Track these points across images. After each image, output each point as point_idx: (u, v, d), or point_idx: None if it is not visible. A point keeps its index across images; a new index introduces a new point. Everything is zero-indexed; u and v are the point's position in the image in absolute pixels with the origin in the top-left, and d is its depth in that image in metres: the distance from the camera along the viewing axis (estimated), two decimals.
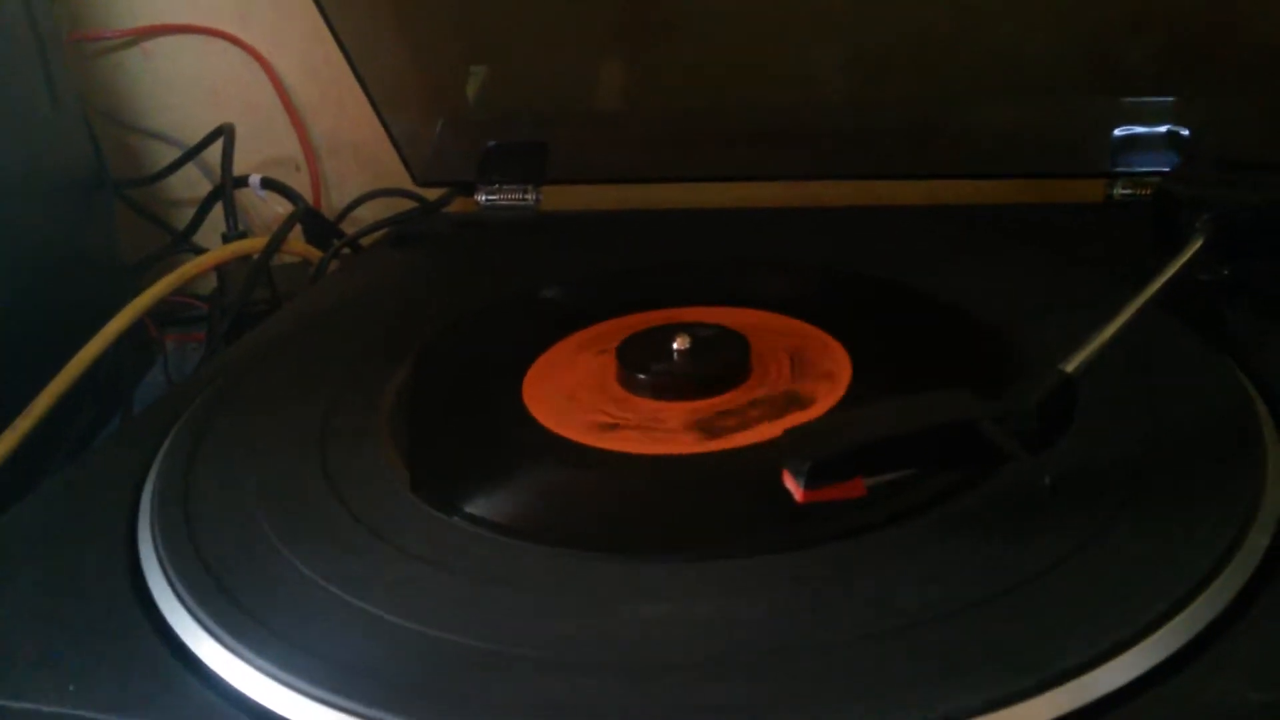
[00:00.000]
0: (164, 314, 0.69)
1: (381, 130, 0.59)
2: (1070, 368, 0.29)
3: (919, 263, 0.45)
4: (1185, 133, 0.51)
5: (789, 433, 0.28)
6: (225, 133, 0.64)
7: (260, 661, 0.25)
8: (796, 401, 0.35)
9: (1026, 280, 0.43)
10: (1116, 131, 0.51)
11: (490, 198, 0.59)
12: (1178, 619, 0.24)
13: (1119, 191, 0.51)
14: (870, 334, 0.39)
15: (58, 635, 0.27)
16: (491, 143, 0.59)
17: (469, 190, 0.60)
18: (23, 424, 0.46)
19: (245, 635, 0.26)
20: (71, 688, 0.25)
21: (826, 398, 0.36)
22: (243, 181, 0.65)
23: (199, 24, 0.70)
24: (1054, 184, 0.56)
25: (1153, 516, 0.27)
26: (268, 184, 0.65)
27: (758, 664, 0.24)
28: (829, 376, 0.37)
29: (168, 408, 0.39)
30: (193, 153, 0.68)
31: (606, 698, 0.23)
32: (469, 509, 0.31)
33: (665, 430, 0.34)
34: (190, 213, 0.72)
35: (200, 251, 0.68)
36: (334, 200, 0.73)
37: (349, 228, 0.64)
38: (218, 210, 0.68)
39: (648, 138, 0.58)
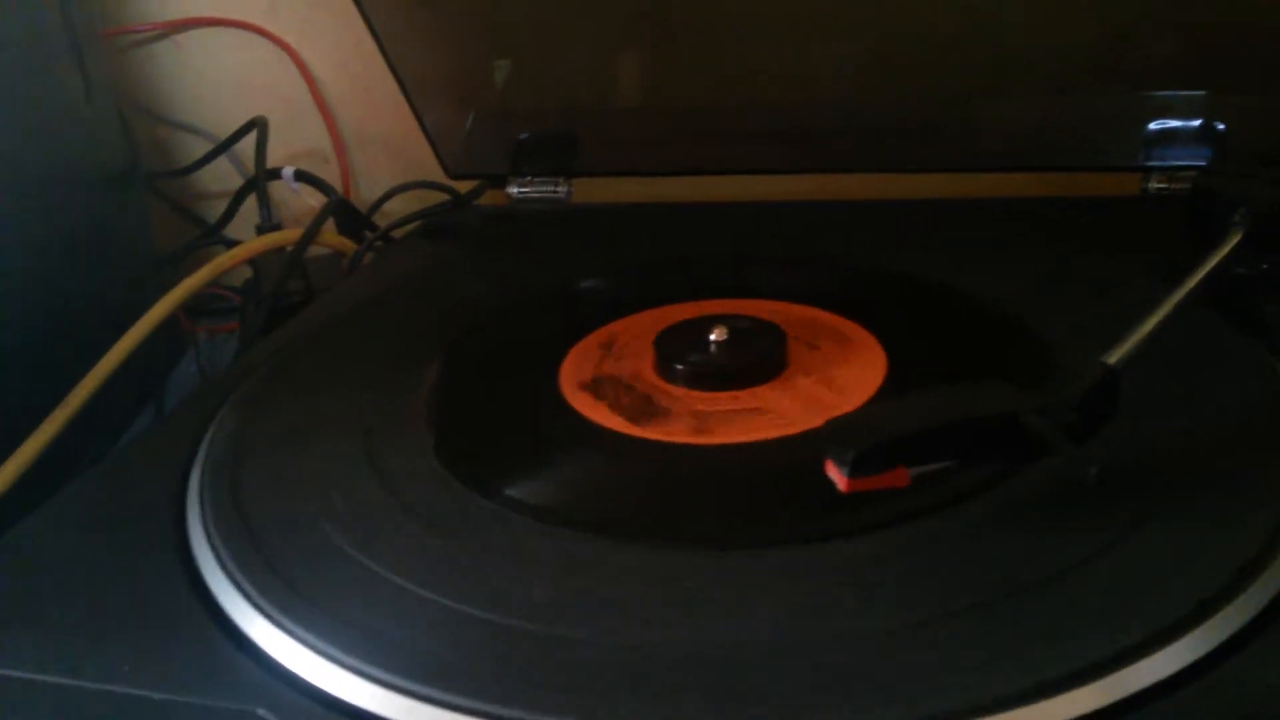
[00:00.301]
0: (195, 305, 0.69)
1: (409, 123, 0.60)
2: (1112, 360, 0.29)
3: (951, 257, 0.45)
4: (1220, 127, 0.51)
5: (831, 423, 0.28)
6: (259, 125, 0.65)
7: (310, 639, 0.25)
8: (832, 393, 0.36)
9: (1061, 274, 0.43)
10: (1150, 125, 0.51)
11: (521, 190, 0.59)
12: (1221, 612, 0.24)
13: (1153, 186, 0.51)
14: (904, 328, 0.40)
15: (110, 616, 0.27)
16: (523, 135, 0.59)
17: (500, 183, 0.60)
18: (62, 414, 0.46)
19: (296, 613, 0.26)
20: (126, 667, 0.26)
21: (862, 390, 0.36)
22: (275, 174, 0.66)
23: (229, 17, 0.71)
24: (1086, 179, 0.56)
25: (1194, 508, 0.27)
26: (300, 176, 0.66)
27: (795, 651, 0.24)
28: (864, 369, 0.37)
29: (211, 395, 0.39)
30: (225, 145, 0.69)
31: (644, 680, 0.24)
32: (510, 493, 0.31)
33: (704, 421, 0.35)
34: (219, 205, 0.73)
35: (231, 244, 0.68)
36: (362, 192, 0.73)
37: (379, 220, 0.65)
38: (248, 203, 0.69)
39: (678, 131, 0.58)
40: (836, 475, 0.28)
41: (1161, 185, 0.51)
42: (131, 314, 0.51)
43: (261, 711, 0.24)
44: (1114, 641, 0.23)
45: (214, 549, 0.29)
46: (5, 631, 0.27)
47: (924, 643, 0.24)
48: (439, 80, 0.59)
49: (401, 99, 0.58)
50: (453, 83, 0.60)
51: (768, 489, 0.32)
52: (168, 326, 0.56)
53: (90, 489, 0.34)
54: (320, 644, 0.25)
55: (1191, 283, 0.33)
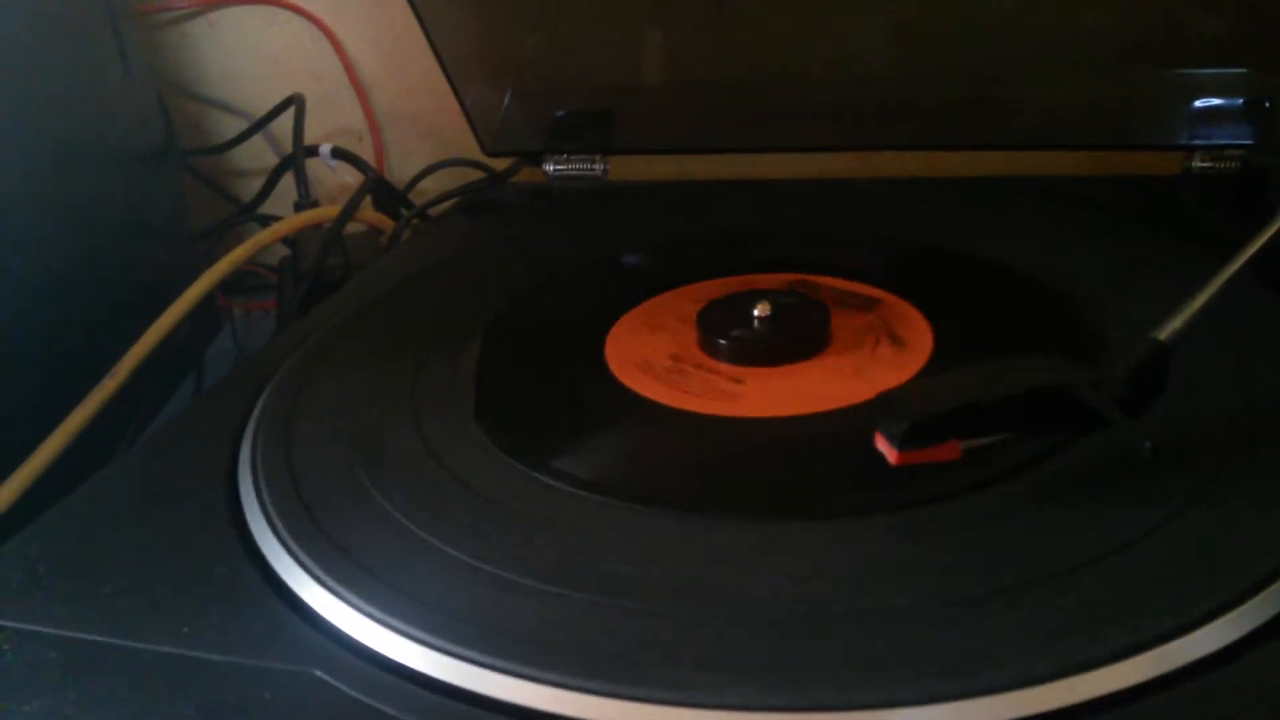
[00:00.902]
0: (231, 283, 0.70)
1: (442, 101, 0.60)
2: (1164, 335, 0.29)
3: (993, 234, 0.45)
4: (1266, 105, 0.50)
5: (882, 396, 0.28)
6: (296, 102, 0.65)
7: (363, 604, 0.26)
8: (877, 369, 0.35)
9: (1104, 251, 0.43)
10: (1195, 103, 0.51)
11: (558, 168, 0.59)
12: (1276, 584, 0.24)
13: (1196, 165, 0.51)
14: (949, 303, 0.39)
15: (166, 581, 0.28)
16: (560, 112, 0.59)
17: (536, 160, 0.60)
18: (110, 384, 0.47)
19: (350, 579, 0.27)
20: (185, 629, 0.26)
21: (907, 366, 0.36)
22: (313, 151, 0.66)
23: None
24: (1125, 158, 0.56)
25: (1248, 483, 0.27)
26: (338, 153, 0.66)
27: (841, 622, 0.24)
28: (910, 344, 0.37)
29: (257, 367, 0.40)
30: (263, 122, 0.69)
31: (686, 647, 0.24)
32: (556, 464, 0.32)
33: (747, 395, 0.35)
34: (253, 184, 0.73)
35: (266, 221, 0.69)
36: (395, 171, 0.74)
37: (414, 198, 0.65)
38: (281, 182, 0.69)
39: (716, 108, 0.58)
40: (886, 448, 0.28)
41: (1205, 164, 0.51)
42: (168, 290, 0.52)
43: (318, 672, 0.24)
44: (1171, 614, 0.23)
45: (268, 517, 0.30)
46: (66, 595, 0.28)
47: (973, 617, 0.24)
48: (477, 57, 0.59)
49: (435, 77, 0.58)
50: (491, 60, 0.60)
51: (814, 462, 0.32)
52: (205, 301, 0.57)
53: (143, 460, 0.34)
54: (373, 609, 0.26)
55: (1242, 259, 0.32)
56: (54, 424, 0.45)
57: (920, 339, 0.37)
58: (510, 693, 0.23)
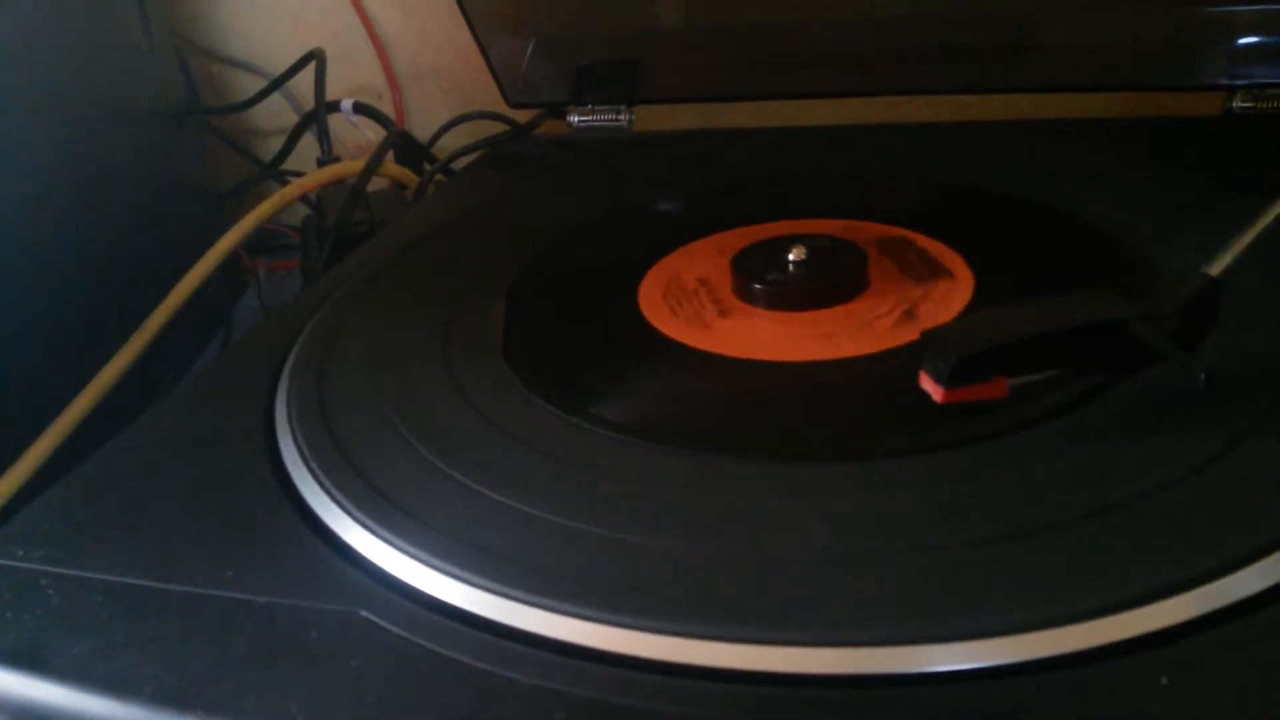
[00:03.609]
0: (255, 242, 0.70)
1: (463, 57, 0.59)
2: (1215, 271, 0.29)
3: (1031, 175, 0.44)
4: None
5: (926, 334, 0.28)
6: (316, 57, 0.65)
7: (406, 545, 0.26)
8: (917, 311, 0.35)
9: (1144, 193, 0.42)
10: (1238, 42, 0.49)
11: (582, 119, 0.58)
12: None
13: (1238, 105, 0.49)
14: (988, 245, 0.39)
15: (209, 524, 0.28)
16: (584, 62, 0.58)
17: (560, 113, 0.59)
18: (139, 339, 0.47)
19: (391, 520, 0.27)
20: (229, 572, 0.26)
21: (948, 309, 0.35)
22: (334, 106, 0.66)
23: None
24: (1162, 98, 0.54)
25: None
26: (360, 108, 0.66)
27: (890, 559, 0.24)
28: (951, 287, 0.36)
29: (288, 319, 0.39)
30: (283, 79, 0.69)
31: (727, 589, 0.24)
32: (589, 407, 0.31)
33: (783, 339, 0.34)
34: (274, 143, 0.73)
35: (288, 179, 0.68)
36: (416, 128, 0.73)
37: (437, 154, 0.64)
38: (302, 141, 0.68)
39: (740, 56, 0.57)
40: (932, 387, 0.27)
41: (1246, 105, 0.49)
42: (195, 250, 0.52)
43: (363, 613, 0.24)
44: (1222, 551, 0.22)
45: (306, 462, 0.30)
46: (109, 541, 0.28)
47: (1023, 553, 0.23)
48: (500, 7, 0.58)
49: (455, 32, 0.58)
50: (514, 9, 0.59)
51: (851, 404, 0.32)
52: (230, 261, 0.57)
53: (179, 408, 0.34)
54: (415, 549, 0.26)
55: None
56: (85, 383, 0.45)
57: (962, 282, 0.36)
58: (550, 628, 0.23)
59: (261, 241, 0.70)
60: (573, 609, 0.23)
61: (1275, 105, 0.49)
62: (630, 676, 0.22)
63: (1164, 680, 0.20)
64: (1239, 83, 0.50)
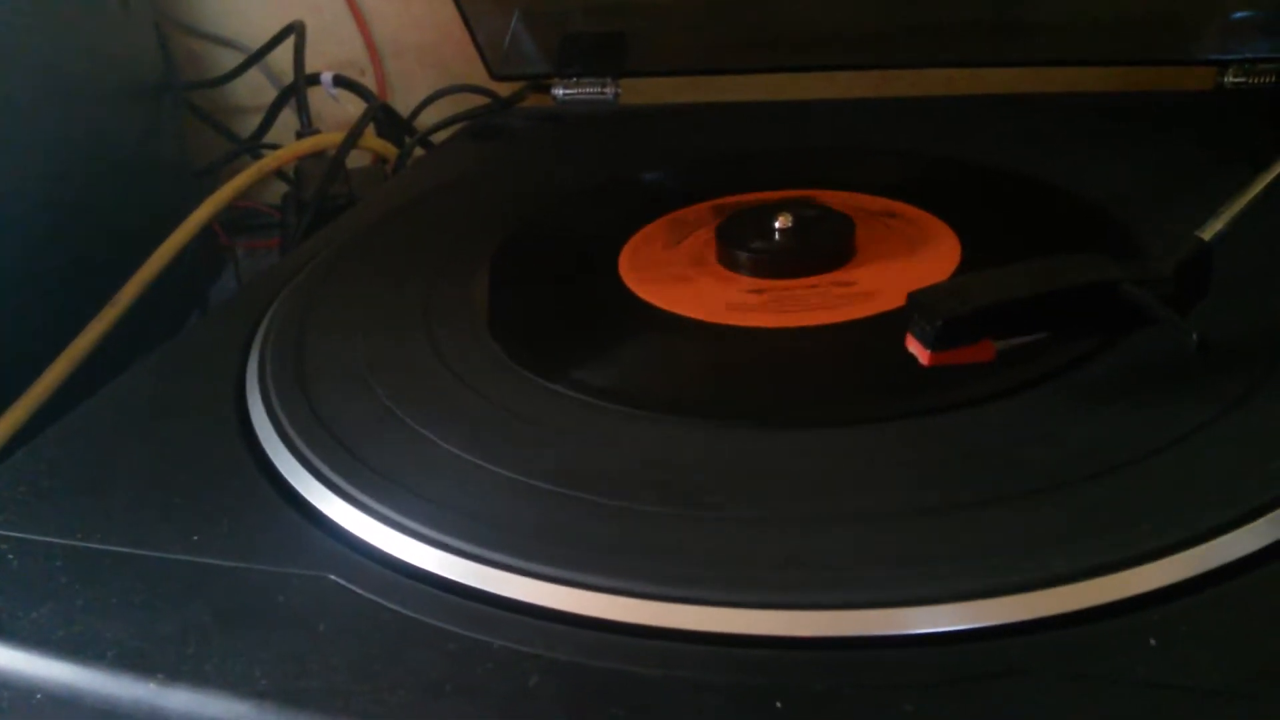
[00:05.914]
0: (233, 221, 0.69)
1: (445, 31, 0.57)
2: (1207, 235, 0.28)
3: (1022, 148, 0.44)
4: None
5: (913, 295, 0.27)
6: (296, 29, 0.63)
7: (375, 506, 0.25)
8: (904, 278, 0.34)
9: (1133, 165, 0.41)
10: (1231, 16, 0.49)
11: (567, 92, 0.57)
12: None
13: (1230, 80, 0.49)
14: (977, 218, 0.38)
15: (176, 490, 0.27)
16: (568, 34, 0.57)
17: (545, 86, 0.58)
18: (111, 312, 0.46)
19: (361, 482, 0.26)
20: (195, 537, 0.25)
21: (936, 276, 0.34)
22: (314, 80, 0.65)
23: None
24: (1157, 74, 0.54)
25: None
26: (339, 81, 0.64)
27: (876, 522, 0.23)
28: (938, 256, 0.36)
29: (263, 287, 0.39)
30: (261, 53, 0.67)
31: (717, 546, 0.23)
32: (566, 372, 0.31)
33: (767, 305, 0.34)
34: (253, 119, 0.72)
35: (266, 153, 0.67)
36: (398, 102, 0.72)
37: (418, 127, 0.63)
38: (282, 117, 0.67)
39: (728, 29, 0.56)
40: (918, 349, 0.26)
41: (1238, 79, 0.49)
42: (169, 227, 0.51)
43: (332, 577, 0.23)
44: (1214, 513, 0.22)
45: (277, 425, 0.29)
46: (72, 507, 0.27)
47: (1011, 516, 0.23)
48: None
49: (438, 5, 0.56)
50: None
51: (835, 370, 0.31)
52: (207, 240, 0.56)
53: (147, 375, 0.34)
54: (385, 511, 0.25)
55: None
56: (57, 354, 0.44)
57: (948, 252, 0.36)
58: (525, 592, 0.23)
59: (240, 220, 0.69)
60: (549, 572, 0.23)
61: (1267, 80, 0.48)
62: (606, 639, 0.21)
63: (1152, 641, 0.20)
64: (1231, 57, 0.49)
